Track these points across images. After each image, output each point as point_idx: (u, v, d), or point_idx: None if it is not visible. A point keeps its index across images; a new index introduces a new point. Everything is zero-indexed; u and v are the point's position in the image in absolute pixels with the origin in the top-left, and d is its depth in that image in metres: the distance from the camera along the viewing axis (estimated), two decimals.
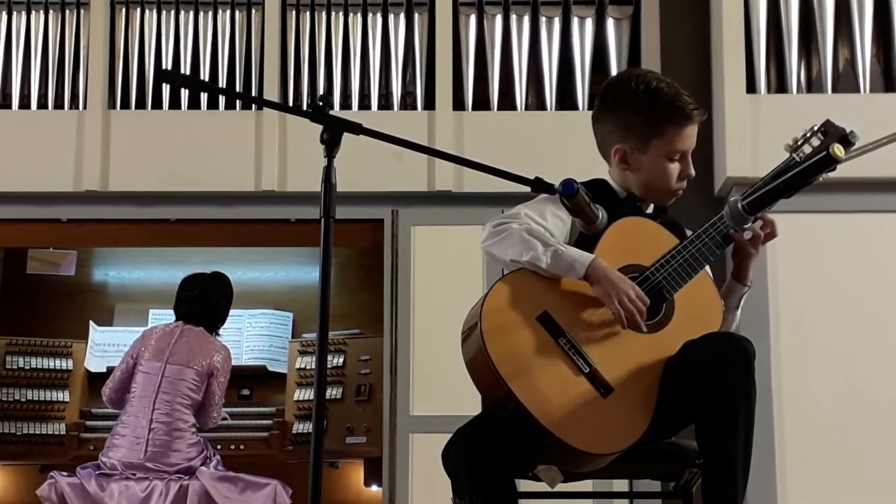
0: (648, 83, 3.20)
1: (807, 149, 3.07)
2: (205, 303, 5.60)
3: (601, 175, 3.29)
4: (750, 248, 3.14)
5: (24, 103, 5.98)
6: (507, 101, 5.94)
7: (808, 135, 3.09)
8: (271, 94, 5.86)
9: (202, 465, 5.37)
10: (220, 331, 5.84)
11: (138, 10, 6.03)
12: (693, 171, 3.24)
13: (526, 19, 5.98)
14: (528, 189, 2.79)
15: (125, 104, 5.95)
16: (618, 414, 2.90)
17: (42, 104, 5.98)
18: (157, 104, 5.97)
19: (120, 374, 5.55)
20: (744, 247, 3.14)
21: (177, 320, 5.60)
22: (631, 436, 2.89)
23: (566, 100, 5.93)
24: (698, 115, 3.20)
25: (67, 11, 6.02)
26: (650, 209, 3.30)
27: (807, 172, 3.01)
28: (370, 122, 2.73)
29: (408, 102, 5.95)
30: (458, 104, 5.89)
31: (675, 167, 3.21)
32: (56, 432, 6.06)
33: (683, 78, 5.64)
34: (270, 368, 6.37)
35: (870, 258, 5.53)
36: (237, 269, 6.67)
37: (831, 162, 2.98)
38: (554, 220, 3.12)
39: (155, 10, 6.02)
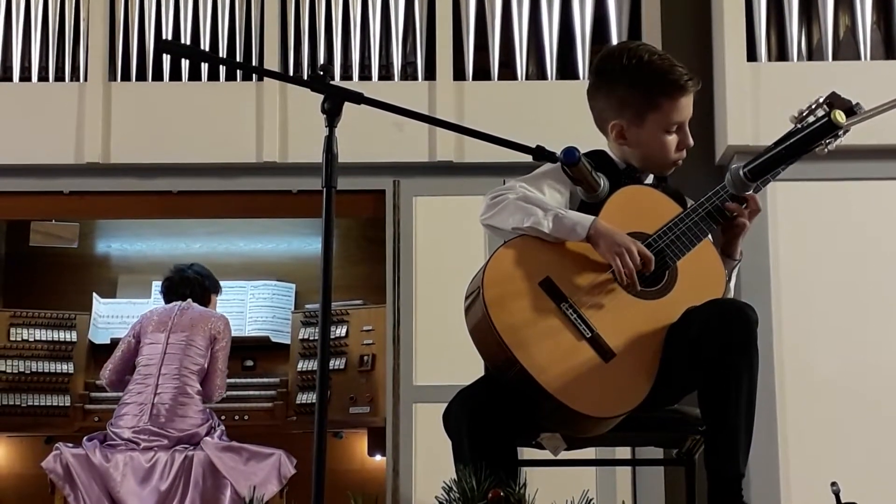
0: (640, 56, 3.18)
1: (811, 120, 3.07)
2: (186, 279, 5.85)
3: (601, 147, 3.29)
4: (743, 218, 3.13)
5: (25, 76, 5.95)
6: (507, 71, 5.92)
7: (814, 106, 3.10)
8: (272, 64, 5.84)
9: (206, 434, 5.40)
10: (221, 301, 5.96)
11: None
12: (691, 142, 3.23)
13: None
14: (529, 158, 2.79)
15: (126, 76, 5.93)
16: (620, 378, 2.92)
17: (43, 76, 5.95)
18: (157, 76, 5.94)
19: (121, 353, 5.61)
20: (736, 218, 3.12)
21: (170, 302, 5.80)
22: (633, 400, 2.91)
23: (567, 69, 5.90)
24: (692, 84, 3.18)
25: None
26: (650, 179, 3.30)
27: (808, 138, 3.02)
28: (371, 92, 2.74)
29: (408, 73, 5.93)
30: (459, 74, 5.87)
31: (672, 139, 3.20)
32: (61, 404, 6.08)
33: (684, 46, 5.72)
34: (274, 339, 6.38)
35: (871, 226, 5.53)
36: (239, 240, 6.68)
37: (833, 128, 3.00)
38: (552, 193, 3.12)
39: None
